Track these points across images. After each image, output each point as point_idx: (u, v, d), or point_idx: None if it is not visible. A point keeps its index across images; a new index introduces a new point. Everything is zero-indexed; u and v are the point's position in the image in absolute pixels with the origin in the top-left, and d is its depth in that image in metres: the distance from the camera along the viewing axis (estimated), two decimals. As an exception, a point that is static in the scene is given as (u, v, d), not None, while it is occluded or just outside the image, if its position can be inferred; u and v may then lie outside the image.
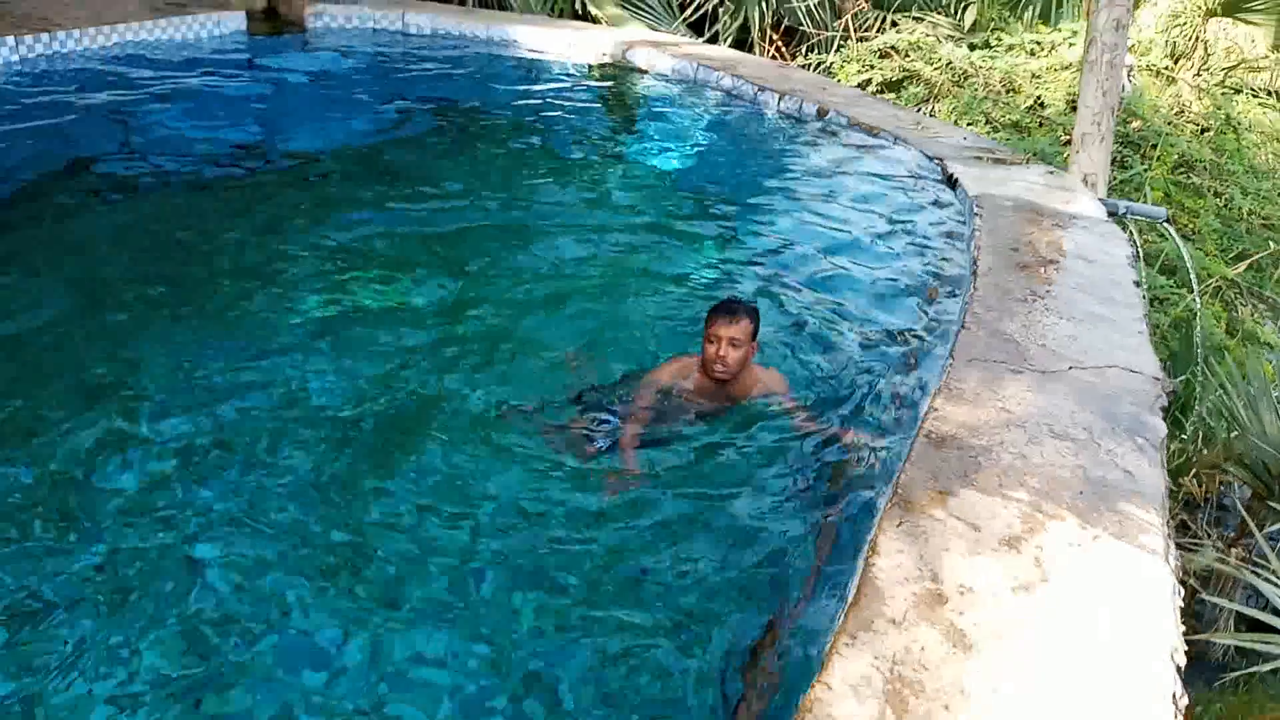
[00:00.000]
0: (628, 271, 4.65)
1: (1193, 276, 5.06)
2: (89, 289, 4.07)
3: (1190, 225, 6.83)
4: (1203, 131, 8.27)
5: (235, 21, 7.70)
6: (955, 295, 4.10)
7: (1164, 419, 3.09)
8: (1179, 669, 2.00)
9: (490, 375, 3.68)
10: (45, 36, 6.41)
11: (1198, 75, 9.26)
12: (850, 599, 2.13)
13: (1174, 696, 1.90)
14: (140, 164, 5.56)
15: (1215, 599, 3.52)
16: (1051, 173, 5.66)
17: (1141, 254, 5.58)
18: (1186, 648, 3.32)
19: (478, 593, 2.69)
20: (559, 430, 3.38)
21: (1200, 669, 3.47)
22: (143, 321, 3.88)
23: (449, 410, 3.46)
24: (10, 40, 6.20)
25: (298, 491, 2.98)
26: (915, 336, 3.96)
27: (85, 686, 2.28)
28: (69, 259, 4.32)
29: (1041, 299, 3.84)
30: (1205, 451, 4.41)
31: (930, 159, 5.71)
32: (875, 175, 5.64)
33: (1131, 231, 5.24)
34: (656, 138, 6.70)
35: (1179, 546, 3.82)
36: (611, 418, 3.41)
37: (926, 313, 4.15)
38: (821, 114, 6.57)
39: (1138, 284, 4.13)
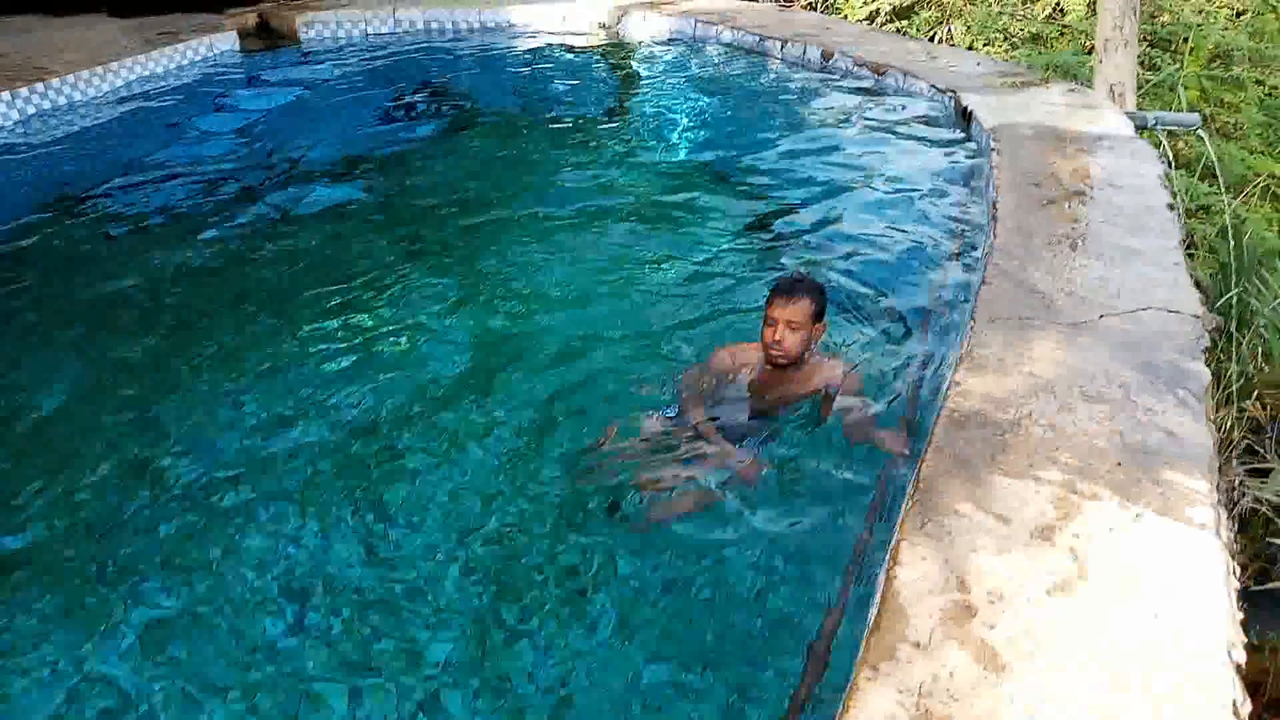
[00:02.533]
0: (649, 260, 4.46)
1: (1220, 182, 4.73)
2: (96, 331, 4.06)
3: (1232, 122, 6.43)
4: (1239, 15, 7.77)
5: (228, 42, 7.66)
6: (975, 249, 3.88)
7: (1208, 361, 2.89)
8: (1239, 667, 1.85)
9: (535, 389, 3.51)
10: (40, 86, 6.41)
11: (1229, -48, 8.69)
12: (871, 621, 2.01)
13: (1234, 705, 1.75)
14: (145, 199, 5.53)
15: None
16: (1073, 90, 5.35)
17: (1177, 162, 5.26)
18: (1263, 587, 3.13)
19: (497, 627, 2.63)
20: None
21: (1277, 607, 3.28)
22: (154, 362, 3.85)
23: (488, 430, 3.33)
24: (7, 96, 6.21)
25: (333, 534, 2.93)
26: (940, 301, 3.75)
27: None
28: (74, 301, 4.31)
29: (1067, 238, 3.62)
30: (1266, 369, 4.16)
31: (942, 92, 5.43)
32: (885, 118, 5.40)
33: (1164, 145, 4.93)
34: (660, 107, 6.50)
35: (1250, 473, 3.63)
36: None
37: (949, 270, 3.94)
38: (827, 56, 6.31)
39: (1171, 207, 3.88)
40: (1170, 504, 2.29)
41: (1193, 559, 2.14)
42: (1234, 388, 3.84)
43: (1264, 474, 3.70)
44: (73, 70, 6.59)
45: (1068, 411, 2.63)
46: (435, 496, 3.06)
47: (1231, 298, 4.21)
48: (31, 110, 6.33)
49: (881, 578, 2.15)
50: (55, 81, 6.47)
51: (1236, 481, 3.56)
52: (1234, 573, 2.15)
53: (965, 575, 2.10)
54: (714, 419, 3.21)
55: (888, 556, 2.19)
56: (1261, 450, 4.13)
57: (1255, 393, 4.22)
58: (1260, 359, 4.24)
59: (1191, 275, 3.97)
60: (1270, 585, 3.21)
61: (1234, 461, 3.65)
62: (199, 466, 3.22)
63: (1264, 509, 3.64)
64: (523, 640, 2.56)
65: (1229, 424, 3.64)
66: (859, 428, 3.11)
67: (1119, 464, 2.42)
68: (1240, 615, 2.03)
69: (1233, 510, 3.40)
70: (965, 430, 2.58)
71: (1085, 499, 2.31)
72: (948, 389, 2.77)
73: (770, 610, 2.61)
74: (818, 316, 3.19)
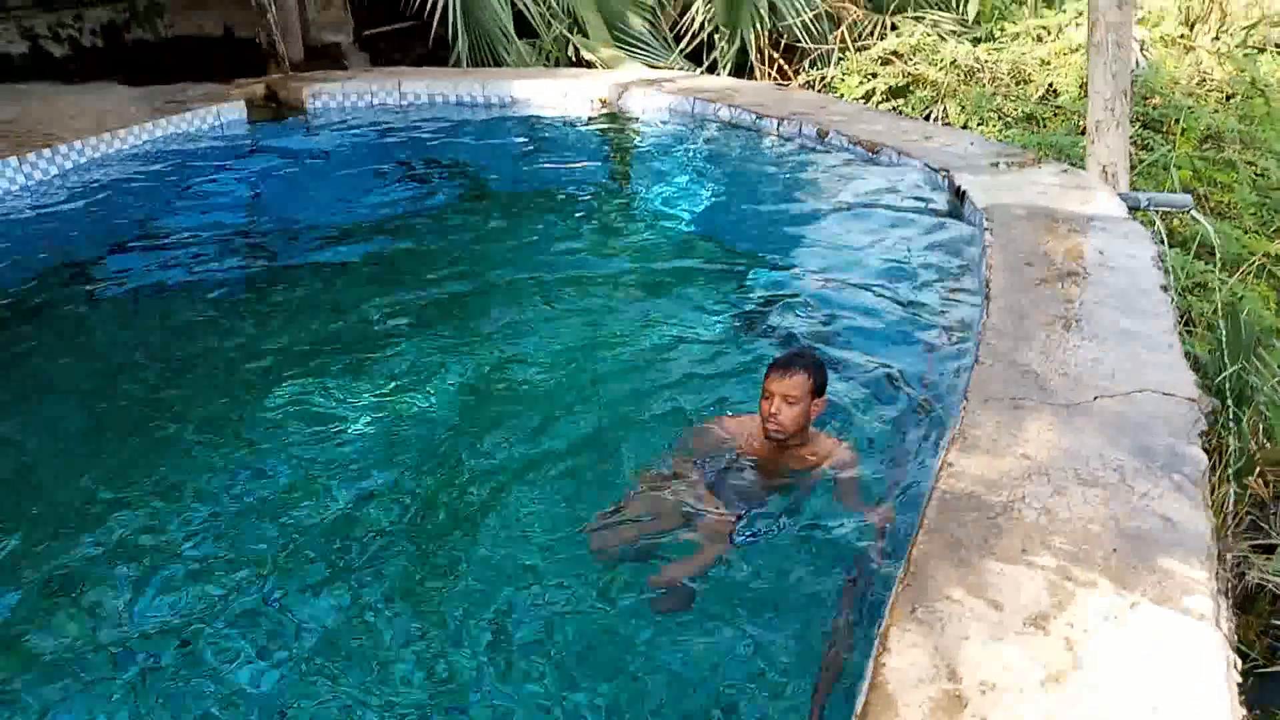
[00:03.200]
0: (645, 330, 4.45)
1: (1217, 258, 4.77)
2: (96, 397, 4.04)
3: (1224, 201, 6.51)
4: (1228, 99, 7.92)
5: (235, 111, 7.76)
6: (968, 328, 3.88)
7: (1205, 445, 2.86)
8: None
9: (530, 454, 3.49)
10: (48, 152, 6.49)
11: (1216, 39, 8.90)
12: (859, 709, 1.94)
13: (1230, 805, 1.69)
14: (151, 268, 5.55)
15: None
16: (1066, 170, 5.41)
17: (1172, 240, 5.30)
18: (1269, 669, 3.05)
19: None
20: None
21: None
22: (152, 428, 3.80)
23: (490, 506, 3.27)
24: (14, 161, 6.29)
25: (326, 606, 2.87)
26: (930, 380, 3.74)
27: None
28: (75, 367, 4.30)
29: (1061, 319, 3.62)
30: (1268, 445, 4.13)
31: (936, 171, 5.50)
32: (879, 196, 5.45)
33: (1158, 225, 4.97)
34: (658, 182, 6.57)
35: (1254, 550, 3.57)
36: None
37: (940, 349, 3.94)
38: (822, 135, 6.40)
39: (1165, 288, 3.88)
40: (1168, 592, 2.24)
41: (1192, 650, 2.09)
42: (1235, 465, 3.80)
43: (1269, 550, 3.65)
44: (80, 137, 6.67)
45: (1062, 495, 2.60)
46: (434, 562, 3.01)
47: (1230, 375, 4.21)
48: (38, 175, 6.40)
49: (870, 664, 2.09)
50: (62, 147, 6.55)
51: (1241, 559, 3.51)
52: (1235, 665, 2.09)
53: (956, 664, 2.04)
54: (710, 486, 3.18)
55: (876, 642, 2.14)
56: (1266, 527, 4.08)
57: (1257, 469, 4.18)
58: (1261, 435, 4.22)
59: (1190, 353, 3.97)
60: (1278, 667, 3.14)
61: (1237, 538, 3.60)
62: (186, 528, 3.18)
63: (1270, 586, 3.57)
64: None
65: (1231, 500, 3.60)
66: (849, 500, 3.11)
67: (1114, 550, 2.38)
68: (1242, 697, 1.98)
69: (1237, 587, 3.34)
70: (957, 512, 2.54)
71: (1080, 586, 2.26)
72: (939, 469, 2.74)
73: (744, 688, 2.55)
74: (817, 392, 3.18)
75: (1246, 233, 6.04)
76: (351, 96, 7.99)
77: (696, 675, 2.58)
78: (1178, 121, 7.12)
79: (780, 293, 4.72)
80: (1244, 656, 2.88)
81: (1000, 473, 2.70)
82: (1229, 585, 3.02)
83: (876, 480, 3.23)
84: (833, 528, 3.03)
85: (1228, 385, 4.12)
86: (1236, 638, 2.49)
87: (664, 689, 2.55)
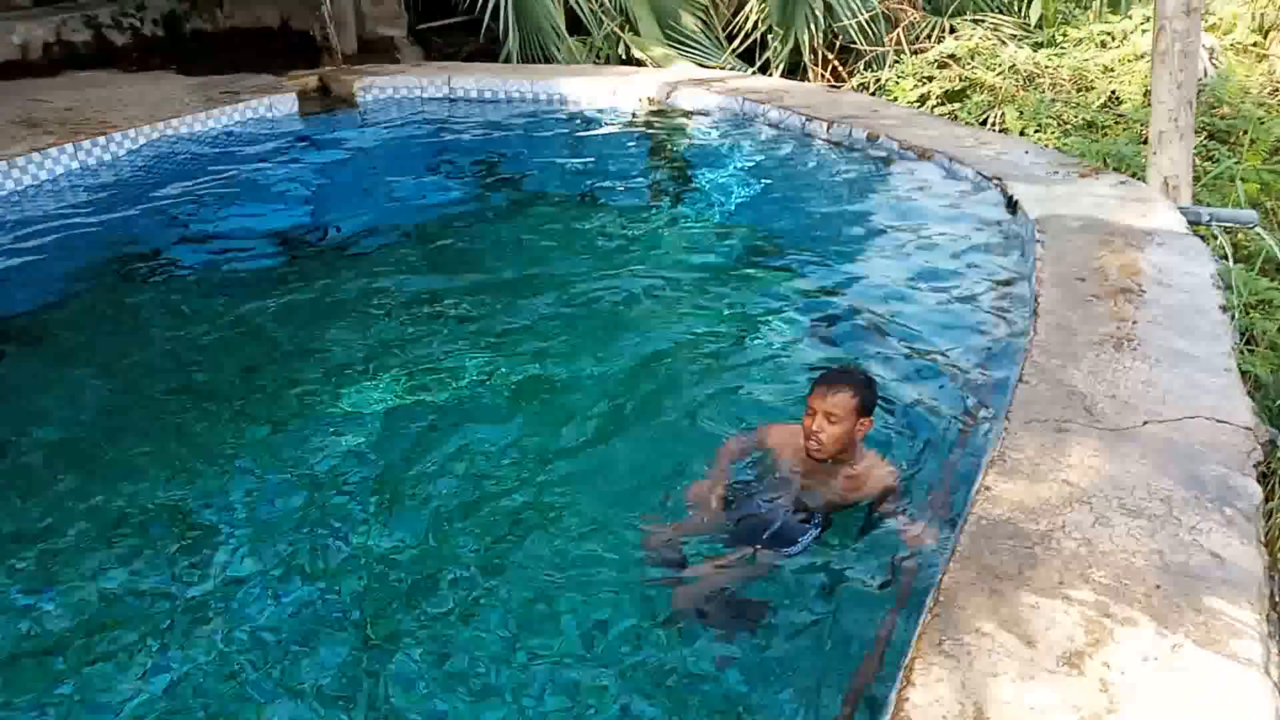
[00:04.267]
0: (690, 334, 4.38)
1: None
2: (143, 388, 4.07)
3: (1294, 217, 6.24)
4: (1302, 110, 7.61)
5: (288, 104, 7.83)
6: (1016, 345, 3.75)
7: (1259, 478, 2.72)
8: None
9: (579, 484, 3.38)
10: (102, 140, 6.60)
11: (1291, 47, 8.57)
12: (879, 749, 1.86)
13: None
14: (199, 258, 5.60)
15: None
16: (1124, 182, 5.22)
17: (1236, 256, 5.09)
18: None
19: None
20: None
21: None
22: (197, 423, 3.82)
23: (528, 520, 3.20)
24: (70, 148, 6.40)
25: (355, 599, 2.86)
26: (976, 397, 3.61)
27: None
28: (122, 358, 4.34)
29: (1112, 338, 3.48)
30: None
31: (989, 179, 5.34)
32: (928, 205, 5.32)
33: (1220, 240, 4.77)
34: (706, 183, 6.49)
35: None
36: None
37: (988, 366, 3.81)
38: (872, 139, 6.27)
39: (1224, 309, 3.72)
40: (1213, 635, 2.12)
41: (1237, 699, 1.97)
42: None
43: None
44: (134, 125, 6.78)
45: (1104, 525, 2.48)
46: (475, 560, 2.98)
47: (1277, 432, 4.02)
48: (92, 163, 6.51)
49: (893, 696, 2.01)
50: (116, 135, 6.66)
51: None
52: (1282, 717, 1.97)
53: (983, 703, 1.95)
54: (748, 498, 3.10)
55: (901, 674, 2.05)
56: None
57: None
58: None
59: (1249, 372, 3.79)
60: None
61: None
62: (201, 526, 3.19)
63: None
64: None
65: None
66: (892, 519, 2.99)
67: (1158, 586, 2.26)
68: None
69: None
70: (992, 540, 2.44)
71: (1119, 624, 2.15)
72: (976, 493, 2.63)
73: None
74: (863, 411, 3.03)
75: (1316, 251, 5.78)
76: (402, 90, 8.03)
77: (716, 693, 2.51)
78: (1247, 133, 6.85)
79: (825, 300, 4.62)
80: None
81: (1040, 499, 2.59)
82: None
83: (919, 503, 3.11)
84: (872, 552, 2.92)
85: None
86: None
87: (677, 706, 2.48)
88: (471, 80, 8.09)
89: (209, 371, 4.23)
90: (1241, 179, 6.22)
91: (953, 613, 2.19)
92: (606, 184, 6.47)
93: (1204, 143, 6.62)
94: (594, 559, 2.96)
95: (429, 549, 3.07)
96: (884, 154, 6.15)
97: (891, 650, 2.49)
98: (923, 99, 8.00)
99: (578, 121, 7.60)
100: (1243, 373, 3.40)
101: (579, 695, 2.52)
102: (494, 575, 2.94)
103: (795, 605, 2.78)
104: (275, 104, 7.75)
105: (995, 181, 5.27)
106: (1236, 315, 3.97)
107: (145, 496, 3.34)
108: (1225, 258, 4.69)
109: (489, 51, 9.03)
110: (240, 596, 2.87)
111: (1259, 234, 4.86)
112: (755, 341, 4.30)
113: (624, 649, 2.66)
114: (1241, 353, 3.66)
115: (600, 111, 7.67)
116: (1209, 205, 5.21)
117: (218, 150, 7.02)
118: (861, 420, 3.04)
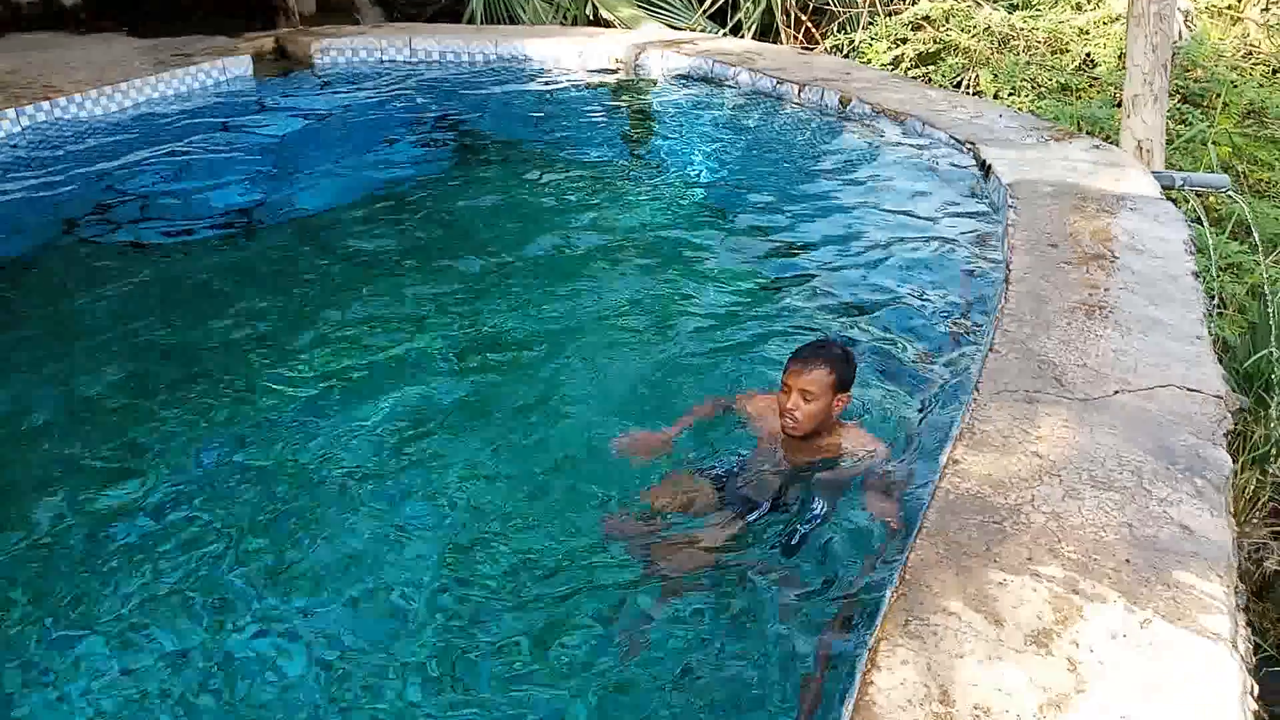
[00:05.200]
0: (659, 299, 4.28)
1: (1255, 240, 4.52)
2: (88, 361, 3.90)
3: (1265, 179, 6.21)
4: (1275, 73, 7.57)
5: (241, 67, 7.57)
6: (986, 312, 3.67)
7: (1229, 447, 2.66)
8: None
9: (543, 454, 3.29)
10: (46, 105, 6.35)
11: (1266, 10, 8.50)
12: (841, 734, 1.79)
13: None
14: (147, 226, 5.41)
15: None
16: (1098, 146, 5.15)
17: (1209, 219, 5.04)
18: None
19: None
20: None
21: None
22: (143, 399, 3.67)
23: (490, 488, 3.13)
24: (11, 112, 6.15)
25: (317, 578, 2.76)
26: (946, 364, 3.53)
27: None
28: (67, 329, 4.17)
29: (1084, 305, 3.41)
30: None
31: (961, 143, 5.25)
32: (899, 169, 5.22)
33: (1193, 203, 4.72)
34: (674, 147, 6.36)
35: (1274, 536, 3.37)
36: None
37: (959, 334, 3.73)
38: (844, 103, 6.15)
39: (1197, 275, 3.66)
40: (1182, 609, 2.06)
41: (1206, 674, 1.92)
42: (1260, 450, 3.60)
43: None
44: (80, 89, 6.53)
45: (1074, 498, 2.42)
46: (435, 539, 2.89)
47: (1259, 359, 3.99)
48: (35, 128, 6.26)
49: (858, 680, 1.93)
50: (61, 100, 6.41)
51: (1260, 545, 3.33)
52: (1251, 692, 1.92)
53: (949, 685, 1.88)
54: (725, 473, 3.02)
55: (865, 657, 1.98)
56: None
57: (1281, 454, 3.96)
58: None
59: (1219, 336, 3.75)
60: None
61: (1257, 525, 3.41)
62: (164, 497, 3.08)
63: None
64: None
65: (1253, 486, 3.40)
66: (873, 502, 2.88)
67: (1127, 560, 2.20)
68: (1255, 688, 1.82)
69: (1255, 574, 3.16)
70: (960, 515, 2.37)
71: (1087, 600, 2.09)
72: (943, 467, 2.56)
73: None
74: (841, 387, 2.94)
75: (1286, 214, 5.75)
76: (360, 52, 7.79)
77: (671, 685, 2.43)
78: (1219, 96, 6.80)
79: (793, 265, 4.53)
80: (1258, 646, 2.71)
81: (1009, 472, 2.52)
82: (1246, 571, 2.85)
83: (897, 479, 3.02)
84: (847, 532, 2.83)
85: (1257, 369, 3.92)
86: (1251, 627, 2.32)
87: (628, 698, 2.41)
88: (434, 41, 7.86)
89: (160, 339, 4.07)
90: (1214, 142, 6.18)
91: (919, 592, 2.12)
92: (570, 147, 6.32)
93: (1177, 106, 6.57)
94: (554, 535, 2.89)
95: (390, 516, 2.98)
96: (856, 118, 6.04)
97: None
98: (896, 61, 7.87)
99: (543, 83, 7.41)
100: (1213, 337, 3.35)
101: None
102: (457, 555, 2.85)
103: (763, 574, 2.71)
104: (229, 67, 7.48)
105: (968, 146, 5.17)
106: (1209, 280, 3.92)
107: (91, 476, 3.22)
108: (1198, 221, 4.64)
109: (453, 12, 8.79)
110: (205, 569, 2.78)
111: (1230, 196, 4.81)
112: (718, 306, 4.20)
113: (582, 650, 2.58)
114: (1210, 316, 3.61)
115: (566, 73, 7.49)
116: (1181, 169, 5.15)
117: (168, 115, 6.78)
118: (839, 395, 2.96)
